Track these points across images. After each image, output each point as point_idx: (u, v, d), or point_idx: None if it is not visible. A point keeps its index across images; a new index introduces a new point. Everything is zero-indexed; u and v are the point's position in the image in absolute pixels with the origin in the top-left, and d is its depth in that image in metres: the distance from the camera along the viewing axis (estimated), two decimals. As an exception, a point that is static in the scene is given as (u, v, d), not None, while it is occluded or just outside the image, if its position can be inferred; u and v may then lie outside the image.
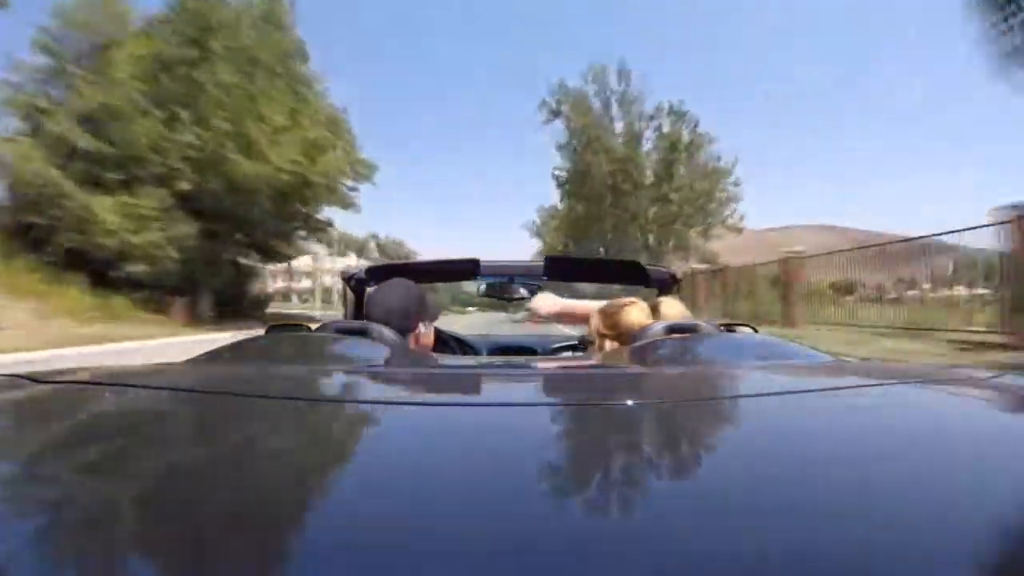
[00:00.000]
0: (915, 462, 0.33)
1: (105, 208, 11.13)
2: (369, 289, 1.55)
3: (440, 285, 2.86)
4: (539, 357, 1.72)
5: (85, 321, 9.76)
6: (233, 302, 14.76)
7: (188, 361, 0.73)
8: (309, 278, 38.49)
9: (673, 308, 1.14)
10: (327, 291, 30.08)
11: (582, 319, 1.37)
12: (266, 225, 13.90)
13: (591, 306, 1.28)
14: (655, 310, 1.12)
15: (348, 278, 1.68)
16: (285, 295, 38.87)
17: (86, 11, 12.22)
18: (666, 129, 21.35)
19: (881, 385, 0.57)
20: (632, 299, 1.20)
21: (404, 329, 1.15)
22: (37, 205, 11.14)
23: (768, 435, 0.39)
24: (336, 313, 13.00)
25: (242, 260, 15.37)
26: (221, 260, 13.78)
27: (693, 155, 21.03)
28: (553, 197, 25.16)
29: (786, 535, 0.24)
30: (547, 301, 1.50)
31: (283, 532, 0.24)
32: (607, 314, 1.16)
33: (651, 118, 21.68)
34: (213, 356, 0.75)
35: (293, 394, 0.51)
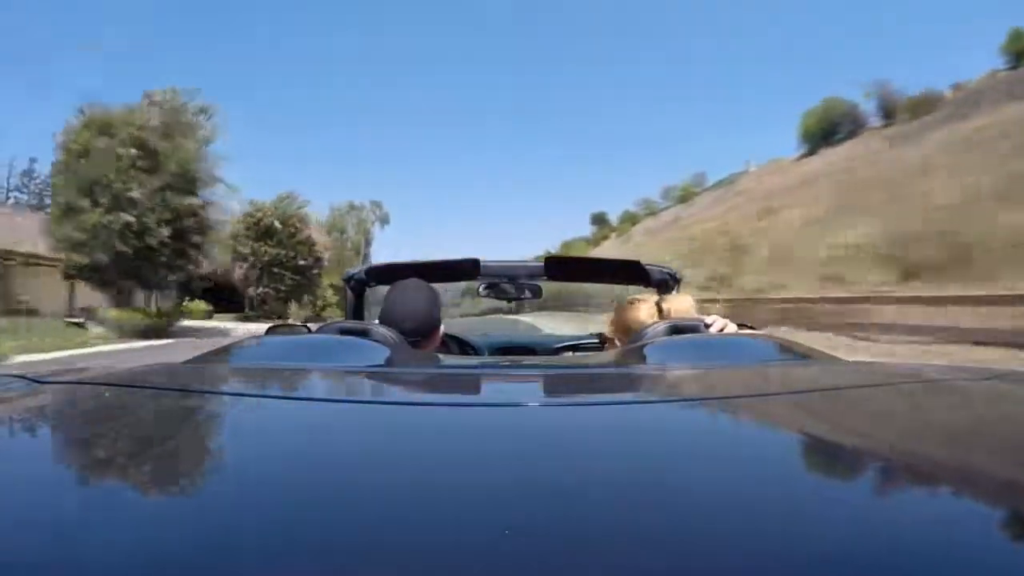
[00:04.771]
0: (914, 462, 0.34)
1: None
2: (373, 289, 1.54)
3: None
4: (541, 357, 1.71)
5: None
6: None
7: (188, 361, 0.73)
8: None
9: (682, 303, 1.13)
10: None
11: None
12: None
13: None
14: (661, 308, 1.13)
15: (348, 278, 1.68)
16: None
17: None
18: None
19: (880, 386, 0.57)
20: (641, 296, 1.20)
21: (427, 332, 1.12)
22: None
23: (767, 435, 0.39)
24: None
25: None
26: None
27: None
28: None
29: (786, 534, 0.24)
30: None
31: (284, 532, 0.24)
32: (617, 313, 1.17)
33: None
34: (213, 356, 0.75)
35: (294, 395, 0.51)
